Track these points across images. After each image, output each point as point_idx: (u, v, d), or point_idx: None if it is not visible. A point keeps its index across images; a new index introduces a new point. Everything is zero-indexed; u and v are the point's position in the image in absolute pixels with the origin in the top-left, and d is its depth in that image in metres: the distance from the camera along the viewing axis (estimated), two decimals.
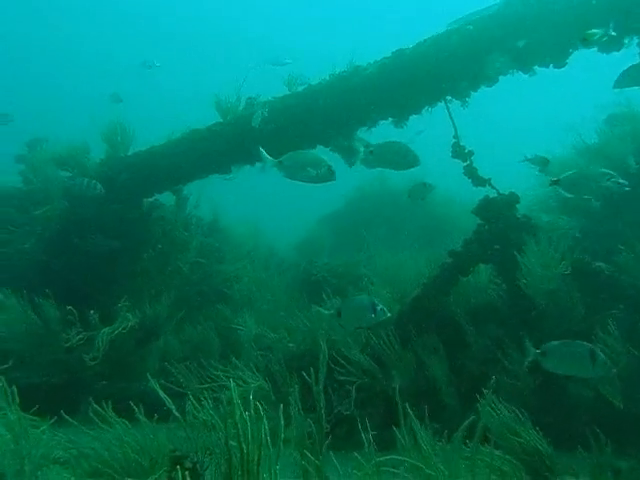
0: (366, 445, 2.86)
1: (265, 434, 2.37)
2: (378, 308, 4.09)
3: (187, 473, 3.06)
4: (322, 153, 7.19)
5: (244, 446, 2.36)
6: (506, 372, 4.65)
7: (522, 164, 7.26)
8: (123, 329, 5.72)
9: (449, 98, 6.21)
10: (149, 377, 3.99)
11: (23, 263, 6.42)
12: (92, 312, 5.70)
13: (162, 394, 3.11)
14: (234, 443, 2.38)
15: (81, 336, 5.57)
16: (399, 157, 4.52)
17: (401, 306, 5.75)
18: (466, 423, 2.95)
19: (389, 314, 4.18)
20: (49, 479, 3.44)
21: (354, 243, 9.39)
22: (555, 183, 4.32)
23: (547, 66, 5.82)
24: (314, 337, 5.20)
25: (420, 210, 10.85)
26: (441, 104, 6.31)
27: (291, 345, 5.20)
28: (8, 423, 3.39)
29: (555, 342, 3.67)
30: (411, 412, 3.06)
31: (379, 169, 8.50)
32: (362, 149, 4.57)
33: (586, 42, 4.96)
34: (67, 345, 5.53)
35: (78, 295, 6.02)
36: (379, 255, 7.46)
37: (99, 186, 5.95)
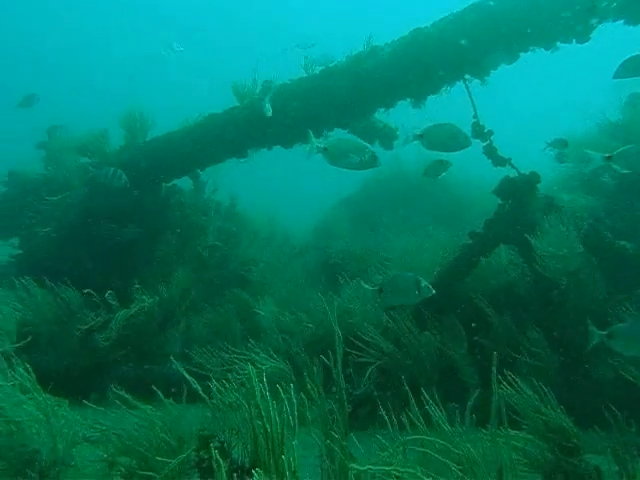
0: (389, 425, 2.88)
1: (287, 414, 2.41)
2: (422, 285, 4.01)
3: (216, 452, 3.17)
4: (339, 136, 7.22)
5: (267, 426, 2.41)
6: (528, 353, 4.64)
7: (541, 143, 7.14)
8: (140, 310, 5.80)
9: (468, 77, 6.11)
10: (172, 360, 4.09)
11: (43, 249, 6.54)
12: (109, 294, 5.78)
13: (187, 376, 3.16)
14: (259, 422, 2.43)
15: (99, 319, 5.65)
16: (449, 139, 4.44)
17: None
18: (470, 403, 2.95)
19: (434, 291, 4.05)
20: (83, 455, 3.55)
21: (371, 226, 9.36)
22: (608, 159, 4.15)
23: (570, 42, 5.68)
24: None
25: (437, 192, 10.76)
26: (460, 83, 6.22)
27: (310, 326, 5.23)
28: (38, 403, 3.50)
29: (621, 324, 3.65)
30: (425, 394, 3.05)
31: (393, 151, 8.48)
32: (411, 134, 4.48)
33: (595, 10, 4.74)
34: (85, 327, 5.60)
35: (97, 280, 6.13)
36: (396, 239, 7.44)
37: (124, 176, 5.99)
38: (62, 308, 5.65)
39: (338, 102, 6.65)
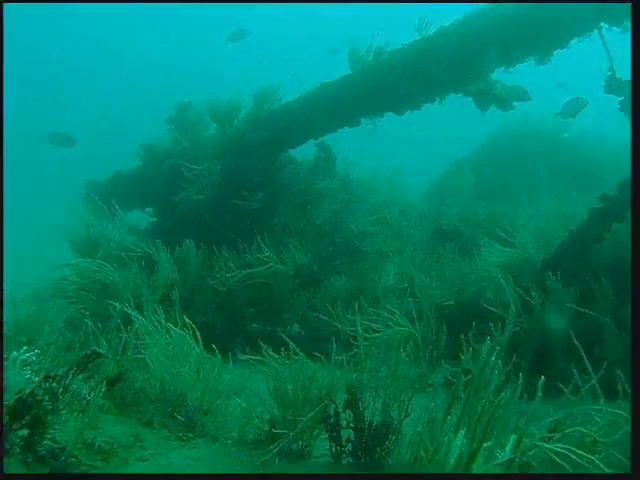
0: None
1: None
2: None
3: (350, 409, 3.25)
4: (454, 99, 6.96)
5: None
6: None
7: None
8: (266, 273, 6.06)
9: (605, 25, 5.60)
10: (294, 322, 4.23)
11: (181, 216, 7.09)
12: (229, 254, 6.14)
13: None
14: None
15: (220, 277, 5.98)
16: None
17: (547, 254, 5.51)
18: None
19: None
20: (226, 407, 3.77)
21: (493, 187, 8.90)
22: None
23: None
24: (460, 286, 5.17)
25: (567, 151, 9.95)
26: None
27: (449, 301, 5.17)
28: (194, 355, 3.78)
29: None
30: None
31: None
32: None
33: None
34: (212, 283, 5.97)
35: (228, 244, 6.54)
36: (521, 203, 7.07)
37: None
38: (199, 268, 6.08)
39: (452, 63, 6.40)
